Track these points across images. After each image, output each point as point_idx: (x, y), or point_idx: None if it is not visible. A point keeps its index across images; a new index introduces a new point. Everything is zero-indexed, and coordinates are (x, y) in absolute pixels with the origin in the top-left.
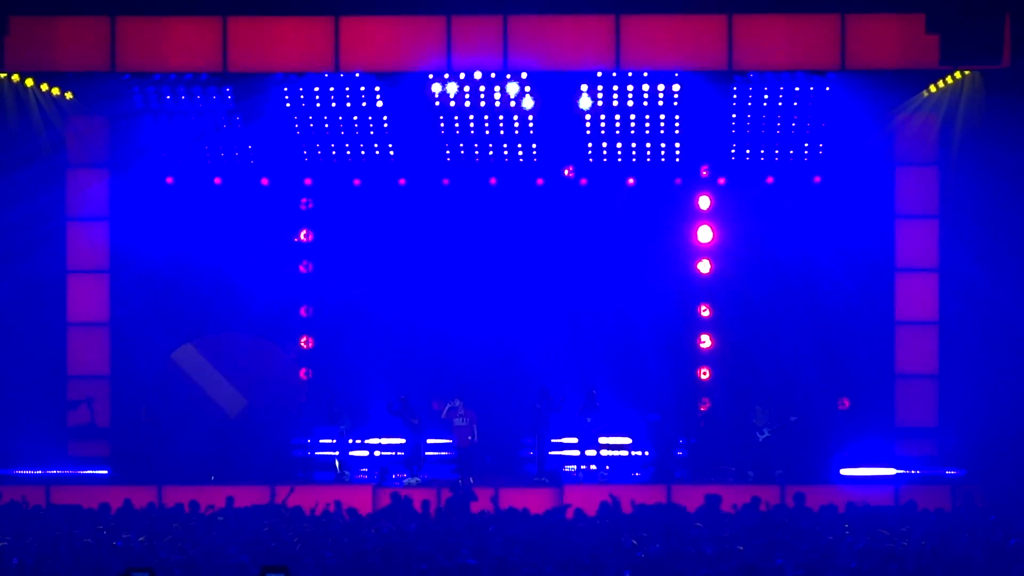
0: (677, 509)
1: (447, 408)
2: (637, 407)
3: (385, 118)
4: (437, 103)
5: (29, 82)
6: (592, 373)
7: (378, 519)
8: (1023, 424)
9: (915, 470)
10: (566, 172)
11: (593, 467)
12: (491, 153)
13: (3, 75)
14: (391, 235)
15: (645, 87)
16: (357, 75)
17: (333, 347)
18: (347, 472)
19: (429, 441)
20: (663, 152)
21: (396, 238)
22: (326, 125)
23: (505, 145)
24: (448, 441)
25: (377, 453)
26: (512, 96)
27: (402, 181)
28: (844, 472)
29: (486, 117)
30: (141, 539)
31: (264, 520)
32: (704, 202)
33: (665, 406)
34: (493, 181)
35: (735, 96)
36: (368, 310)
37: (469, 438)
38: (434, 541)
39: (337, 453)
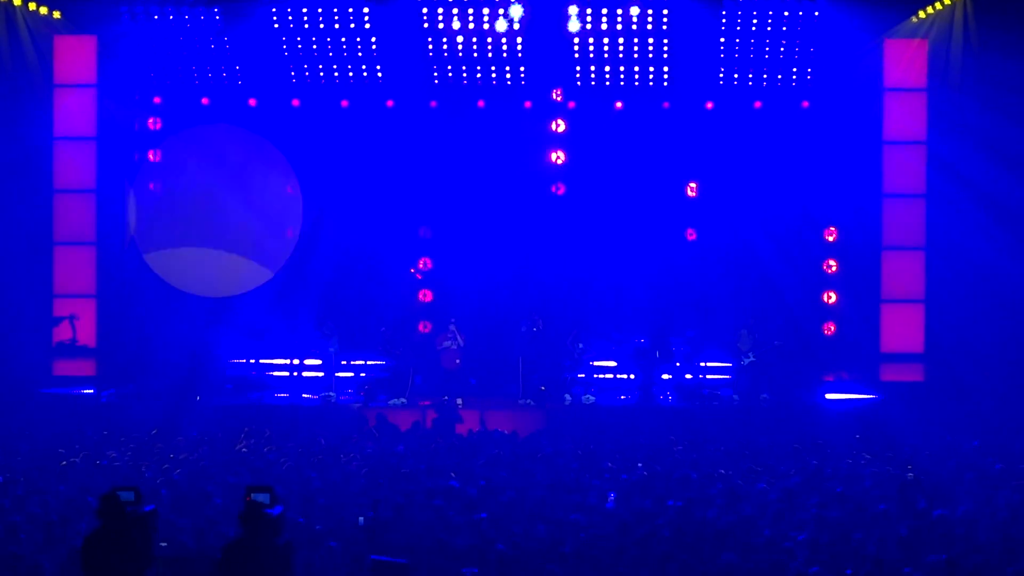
0: (662, 432)
1: (451, 334)
2: (624, 331)
3: (373, 40)
4: (425, 25)
5: (16, 0)
6: (580, 295)
7: (363, 440)
8: (1009, 348)
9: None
10: (554, 95)
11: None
12: (479, 76)
13: None
14: (378, 156)
15: (634, 10)
16: None
17: (320, 269)
18: (333, 393)
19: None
20: (651, 76)
21: (383, 160)
22: (314, 47)
23: (493, 68)
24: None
25: (363, 374)
26: (504, 18)
27: (390, 103)
28: (829, 397)
29: (474, 40)
30: (129, 454)
31: (249, 441)
32: (692, 126)
33: (651, 330)
34: (481, 104)
35: (723, 20)
36: (354, 232)
37: (457, 361)
38: (419, 463)
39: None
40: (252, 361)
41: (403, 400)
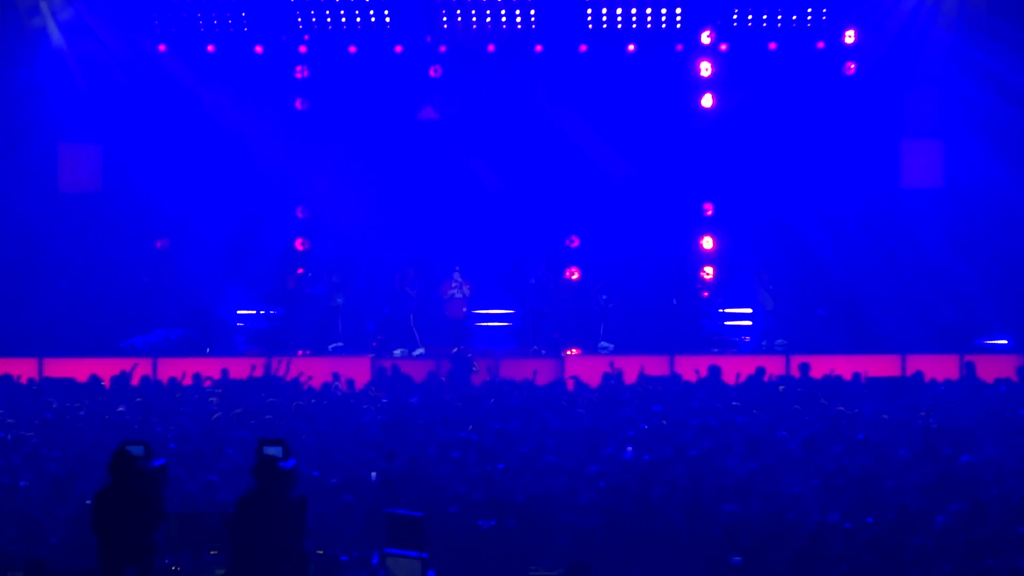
0: (680, 380)
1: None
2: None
3: None
4: None
5: None
6: (591, 244)
7: (377, 391)
8: None
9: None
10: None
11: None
12: (488, 20)
13: None
14: (386, 103)
15: None
16: None
17: (329, 216)
18: (341, 343)
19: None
20: (664, 18)
21: (390, 106)
22: None
23: (503, 12)
24: None
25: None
26: None
27: (398, 48)
28: None
29: None
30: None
31: (261, 393)
32: (705, 69)
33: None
34: (491, 48)
35: None
36: (364, 180)
37: (463, 310)
38: (434, 414)
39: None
40: (261, 312)
41: (422, 350)
